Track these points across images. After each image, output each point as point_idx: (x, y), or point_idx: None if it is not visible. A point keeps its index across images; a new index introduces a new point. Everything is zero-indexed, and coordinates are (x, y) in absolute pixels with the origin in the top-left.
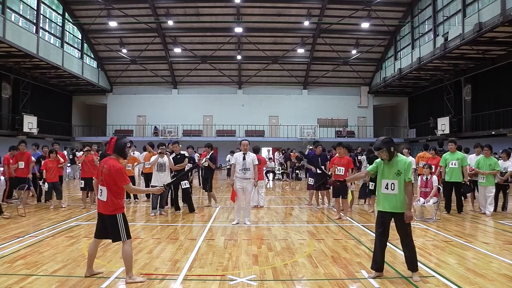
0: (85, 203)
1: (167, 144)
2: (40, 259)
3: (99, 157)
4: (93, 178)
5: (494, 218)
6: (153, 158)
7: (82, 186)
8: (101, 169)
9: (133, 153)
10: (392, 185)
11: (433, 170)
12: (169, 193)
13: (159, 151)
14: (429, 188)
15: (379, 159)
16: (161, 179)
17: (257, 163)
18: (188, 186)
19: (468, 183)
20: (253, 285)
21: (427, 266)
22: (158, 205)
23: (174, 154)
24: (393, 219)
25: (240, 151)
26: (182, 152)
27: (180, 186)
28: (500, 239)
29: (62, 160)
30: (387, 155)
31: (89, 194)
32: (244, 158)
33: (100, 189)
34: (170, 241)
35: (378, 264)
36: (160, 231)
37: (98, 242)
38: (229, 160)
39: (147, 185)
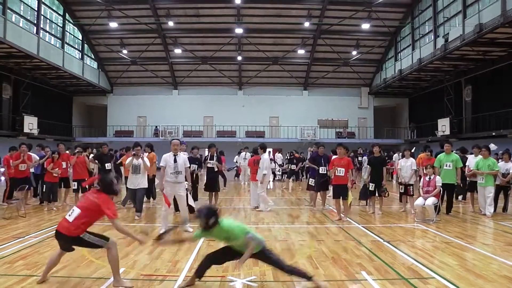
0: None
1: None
2: (41, 260)
3: (93, 158)
4: (85, 179)
5: (494, 219)
6: (128, 160)
7: (75, 187)
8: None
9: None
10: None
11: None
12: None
13: (134, 152)
14: (431, 187)
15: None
16: (135, 181)
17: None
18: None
19: (461, 184)
20: (253, 286)
21: (427, 267)
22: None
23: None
24: None
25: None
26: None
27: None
28: (500, 240)
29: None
30: (204, 223)
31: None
32: (175, 160)
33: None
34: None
35: None
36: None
37: (62, 253)
38: (236, 161)
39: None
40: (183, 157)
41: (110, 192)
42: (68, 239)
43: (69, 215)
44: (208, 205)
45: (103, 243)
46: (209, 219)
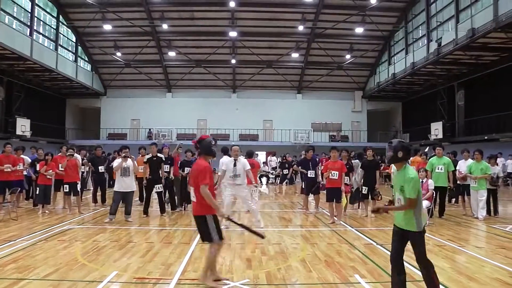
0: (70, 208)
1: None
2: (32, 263)
3: (87, 160)
4: (77, 182)
5: (487, 222)
6: (117, 162)
7: (67, 190)
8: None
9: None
10: (399, 200)
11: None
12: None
13: (123, 154)
14: (424, 190)
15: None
16: (125, 184)
17: (248, 167)
18: (162, 190)
19: (453, 188)
20: None
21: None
22: (126, 211)
23: (150, 155)
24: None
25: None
26: (159, 155)
27: (154, 189)
28: (492, 243)
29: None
30: (391, 156)
31: (77, 198)
32: (234, 164)
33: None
34: (164, 245)
35: None
36: (153, 235)
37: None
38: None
39: (140, 189)
40: (243, 161)
41: (209, 153)
42: (197, 220)
43: (193, 197)
44: (400, 140)
45: (215, 239)
46: (397, 151)
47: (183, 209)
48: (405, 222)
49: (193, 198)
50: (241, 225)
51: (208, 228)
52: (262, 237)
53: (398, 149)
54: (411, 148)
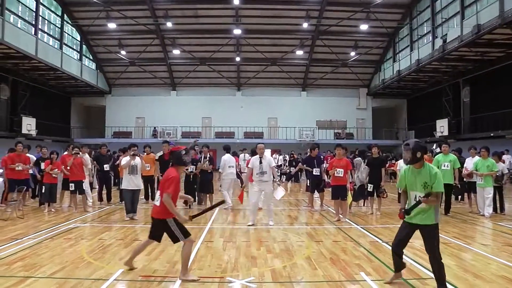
0: (76, 206)
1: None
2: (39, 261)
3: (92, 158)
4: (83, 180)
5: (493, 220)
6: (125, 160)
7: (73, 189)
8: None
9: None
10: (419, 197)
11: None
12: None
13: (132, 152)
14: None
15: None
16: (133, 182)
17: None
18: None
19: (459, 185)
20: (252, 287)
21: (426, 267)
22: (132, 209)
23: (162, 153)
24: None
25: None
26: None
27: None
28: (498, 240)
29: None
30: (410, 157)
31: (82, 197)
32: (260, 162)
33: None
34: (169, 243)
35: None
36: None
37: (150, 242)
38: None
39: (146, 187)
40: (267, 159)
41: (180, 163)
42: (157, 222)
43: (157, 200)
44: (416, 140)
45: (182, 238)
46: (416, 152)
47: (188, 207)
48: (424, 217)
49: (156, 201)
50: (204, 211)
51: (172, 231)
52: (223, 202)
53: (417, 149)
54: (426, 146)
